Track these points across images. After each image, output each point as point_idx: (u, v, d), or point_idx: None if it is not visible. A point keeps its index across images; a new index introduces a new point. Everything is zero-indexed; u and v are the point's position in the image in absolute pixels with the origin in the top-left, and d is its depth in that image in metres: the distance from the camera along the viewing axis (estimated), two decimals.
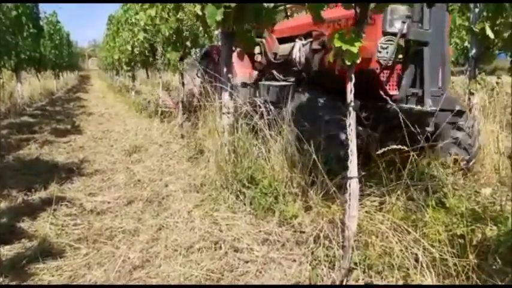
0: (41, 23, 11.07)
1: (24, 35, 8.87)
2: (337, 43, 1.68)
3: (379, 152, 2.25)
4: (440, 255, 1.82)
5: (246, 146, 3.11)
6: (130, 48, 8.75)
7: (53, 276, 2.06)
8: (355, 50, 1.63)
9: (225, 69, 3.47)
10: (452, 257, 1.79)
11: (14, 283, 1.98)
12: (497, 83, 5.08)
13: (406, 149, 2.19)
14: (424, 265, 1.79)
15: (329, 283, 1.89)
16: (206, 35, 4.13)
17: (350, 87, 1.82)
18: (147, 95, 10.30)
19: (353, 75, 1.82)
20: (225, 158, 3.15)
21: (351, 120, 1.83)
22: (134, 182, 3.66)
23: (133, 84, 11.36)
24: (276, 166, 2.89)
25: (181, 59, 5.37)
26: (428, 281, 1.77)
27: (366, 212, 2.18)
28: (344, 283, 1.85)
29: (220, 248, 2.31)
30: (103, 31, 27.21)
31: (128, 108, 9.51)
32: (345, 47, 1.64)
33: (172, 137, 5.40)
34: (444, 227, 1.92)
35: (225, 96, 3.46)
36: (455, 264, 1.76)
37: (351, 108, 1.82)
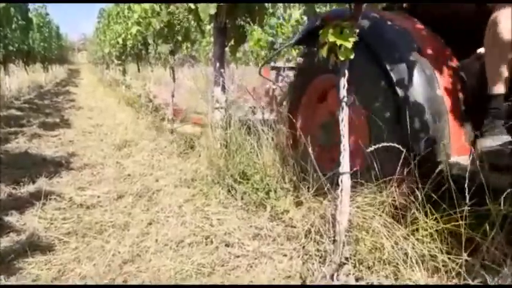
0: (30, 15, 10.93)
1: (12, 27, 8.74)
2: (331, 38, 1.67)
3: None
4: (429, 251, 1.83)
5: (238, 141, 3.10)
6: (121, 42, 8.66)
7: (41, 270, 2.04)
8: (349, 45, 1.63)
9: (217, 64, 3.46)
10: (442, 253, 1.80)
11: (1, 277, 1.95)
12: None
13: None
14: (414, 260, 1.81)
15: (320, 277, 1.89)
16: (199, 29, 4.09)
17: (343, 82, 1.82)
18: (137, 89, 10.20)
19: (346, 71, 1.83)
20: (217, 153, 3.14)
21: (343, 115, 1.84)
22: (124, 176, 3.62)
23: (123, 79, 11.25)
24: (267, 161, 2.89)
25: (173, 53, 5.32)
26: (418, 275, 1.78)
27: (357, 207, 2.19)
28: (335, 277, 1.86)
29: (211, 242, 2.31)
30: (93, 24, 26.89)
31: (118, 102, 9.42)
32: (339, 41, 1.64)
33: (163, 131, 5.36)
34: (435, 222, 1.93)
35: (217, 90, 3.45)
36: (444, 260, 1.78)
37: (343, 103, 1.83)
